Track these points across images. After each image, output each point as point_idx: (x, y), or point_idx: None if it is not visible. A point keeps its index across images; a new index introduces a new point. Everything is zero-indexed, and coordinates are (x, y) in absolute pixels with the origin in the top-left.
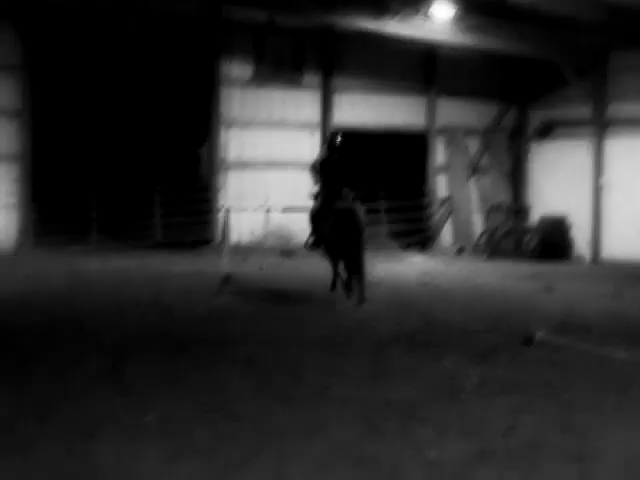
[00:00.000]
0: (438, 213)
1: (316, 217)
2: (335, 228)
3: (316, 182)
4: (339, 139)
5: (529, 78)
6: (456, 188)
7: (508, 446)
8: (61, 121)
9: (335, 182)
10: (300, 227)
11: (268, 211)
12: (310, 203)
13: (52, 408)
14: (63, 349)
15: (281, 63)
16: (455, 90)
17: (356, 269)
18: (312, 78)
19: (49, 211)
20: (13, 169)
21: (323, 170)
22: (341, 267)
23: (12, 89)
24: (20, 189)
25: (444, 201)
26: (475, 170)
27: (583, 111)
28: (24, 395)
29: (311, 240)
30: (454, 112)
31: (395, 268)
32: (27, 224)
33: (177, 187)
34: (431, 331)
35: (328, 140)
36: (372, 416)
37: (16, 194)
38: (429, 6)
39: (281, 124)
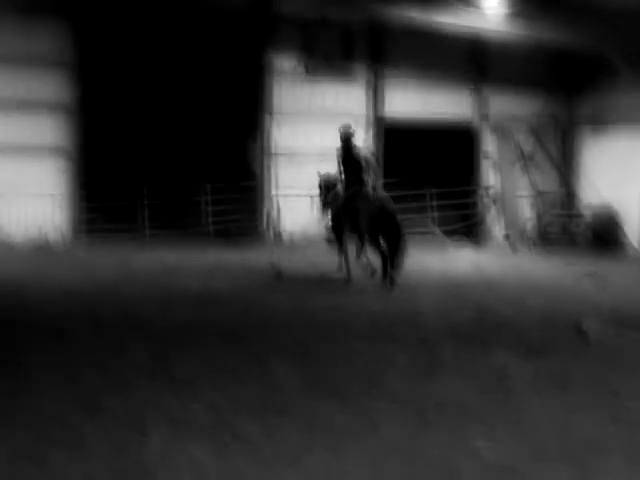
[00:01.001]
0: (487, 205)
1: (339, 213)
2: (371, 215)
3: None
4: (352, 131)
5: (579, 68)
6: (505, 179)
7: (563, 444)
8: (111, 115)
9: (355, 172)
10: None
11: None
12: None
13: (101, 399)
14: (112, 339)
15: (331, 55)
16: (504, 81)
17: (394, 253)
18: (361, 70)
19: (100, 204)
20: (64, 163)
21: (343, 161)
22: (376, 253)
23: (63, 84)
24: (71, 182)
25: (493, 192)
26: (524, 161)
27: (634, 102)
28: (73, 386)
29: (332, 235)
30: (503, 103)
31: (444, 260)
32: (78, 217)
33: (227, 179)
34: (482, 324)
35: (342, 132)
36: (424, 412)
37: (67, 187)
38: None
39: (331, 116)
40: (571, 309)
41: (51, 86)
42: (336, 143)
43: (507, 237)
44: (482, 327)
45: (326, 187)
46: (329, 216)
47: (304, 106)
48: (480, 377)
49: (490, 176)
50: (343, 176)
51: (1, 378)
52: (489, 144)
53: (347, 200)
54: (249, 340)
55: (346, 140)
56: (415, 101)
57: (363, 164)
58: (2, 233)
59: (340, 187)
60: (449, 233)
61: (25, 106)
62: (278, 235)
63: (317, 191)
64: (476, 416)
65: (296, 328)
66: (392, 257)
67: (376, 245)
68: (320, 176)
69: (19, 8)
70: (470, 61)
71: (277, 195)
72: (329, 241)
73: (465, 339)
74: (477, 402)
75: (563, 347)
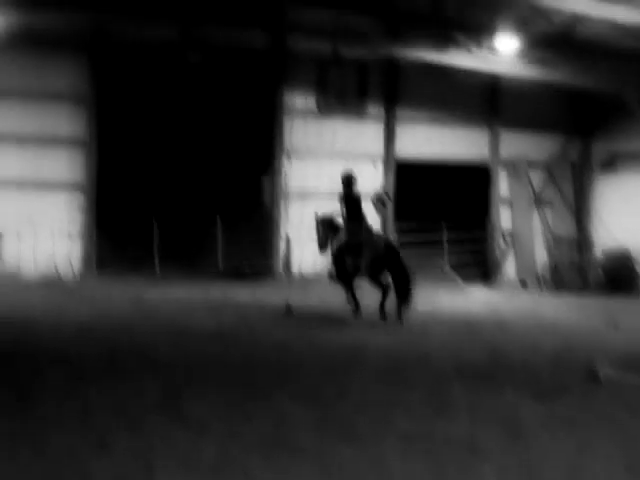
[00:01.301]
0: (501, 245)
1: (343, 249)
2: (377, 257)
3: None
4: (353, 177)
5: (593, 110)
6: (519, 220)
7: None
8: (126, 151)
9: (356, 214)
10: None
11: None
12: None
13: (111, 436)
14: (123, 376)
15: (344, 94)
16: (518, 122)
17: (402, 290)
18: (375, 109)
19: (112, 239)
20: (78, 198)
21: (345, 203)
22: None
23: (80, 120)
24: (84, 217)
25: (507, 233)
26: (538, 202)
27: None
28: (84, 423)
29: (334, 271)
30: (517, 144)
31: (457, 300)
32: (91, 252)
33: (239, 216)
34: (494, 365)
35: (342, 178)
36: (435, 452)
37: (80, 222)
38: (493, 38)
39: (344, 155)
40: (584, 350)
41: (67, 122)
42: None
43: (523, 282)
44: (493, 367)
45: (323, 226)
46: (331, 253)
47: (317, 144)
48: (491, 417)
49: (504, 216)
50: (345, 217)
51: (11, 414)
52: (503, 185)
53: (350, 237)
54: (261, 378)
55: (347, 184)
56: (428, 140)
57: (363, 207)
58: (16, 268)
59: (341, 227)
60: (462, 273)
61: (41, 141)
62: (289, 272)
63: (315, 230)
64: (486, 456)
65: (308, 367)
66: (400, 293)
67: (377, 282)
68: (317, 216)
69: (36, 44)
70: (485, 101)
71: (288, 233)
72: (332, 277)
73: (476, 379)
74: (488, 442)
75: (575, 388)
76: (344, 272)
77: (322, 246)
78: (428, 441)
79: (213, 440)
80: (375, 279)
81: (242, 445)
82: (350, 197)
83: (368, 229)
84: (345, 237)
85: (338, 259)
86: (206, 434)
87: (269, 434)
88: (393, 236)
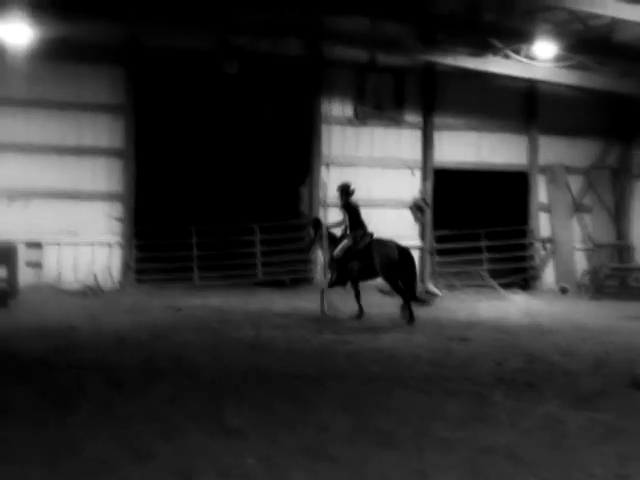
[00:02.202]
0: (540, 252)
1: (348, 254)
2: (391, 262)
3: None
4: (351, 187)
5: (633, 115)
6: (558, 227)
7: None
8: (163, 160)
9: (359, 223)
10: None
11: None
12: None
13: (150, 446)
14: (163, 386)
15: (382, 101)
16: (557, 128)
17: (412, 290)
18: (413, 116)
19: (151, 249)
20: (116, 208)
21: (347, 213)
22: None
23: (117, 129)
24: (123, 227)
25: (546, 240)
26: (578, 208)
27: None
28: (123, 432)
29: (335, 278)
30: (556, 150)
31: (497, 307)
32: (129, 262)
33: (278, 225)
34: (534, 372)
35: (340, 188)
36: (475, 461)
37: (119, 232)
38: (531, 44)
39: (382, 162)
40: (624, 356)
41: (105, 132)
42: (386, 190)
43: (562, 289)
44: (533, 374)
45: (314, 228)
46: (332, 259)
47: (354, 153)
48: (532, 425)
49: (543, 223)
50: (348, 225)
51: (52, 422)
52: (542, 191)
53: (356, 243)
54: (300, 387)
55: (346, 193)
56: (466, 147)
57: (360, 214)
58: (56, 277)
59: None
60: (501, 280)
61: (80, 152)
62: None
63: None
64: (527, 463)
65: (347, 375)
66: (410, 294)
67: (396, 287)
68: (311, 219)
69: (73, 55)
70: (522, 107)
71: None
72: (332, 283)
73: (516, 386)
74: (528, 449)
75: (616, 394)
76: (344, 277)
77: (308, 248)
78: (469, 450)
79: (253, 449)
80: (394, 283)
81: (282, 454)
82: (349, 206)
83: (371, 235)
84: (350, 242)
85: (341, 264)
86: (246, 443)
87: (309, 443)
88: (432, 243)
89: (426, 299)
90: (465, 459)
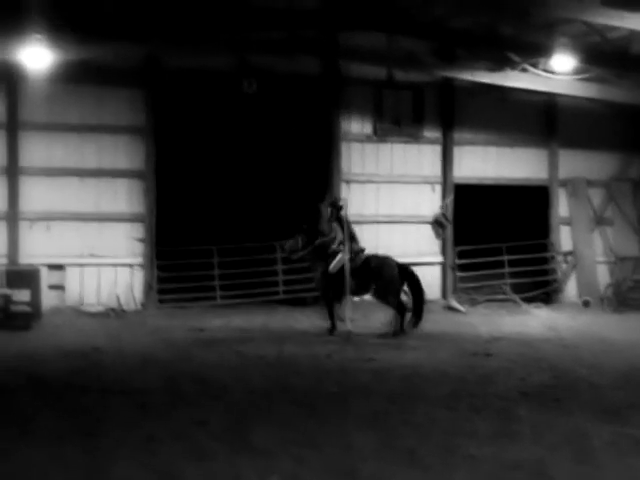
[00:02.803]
0: (562, 265)
1: (342, 271)
2: (392, 278)
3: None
4: (340, 202)
5: None
6: (580, 240)
7: None
8: (183, 181)
9: (351, 238)
10: (423, 281)
11: None
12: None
13: (177, 469)
14: (188, 406)
15: (400, 117)
16: (577, 141)
17: (420, 304)
18: (432, 132)
19: (173, 269)
20: (138, 228)
21: (340, 228)
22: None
23: (137, 150)
24: (144, 248)
25: (568, 253)
26: (599, 221)
27: None
28: (150, 455)
29: (322, 289)
30: (576, 163)
31: (519, 322)
32: (151, 282)
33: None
34: (559, 386)
35: (330, 203)
36: (501, 477)
37: (141, 253)
38: (549, 58)
39: (401, 179)
40: None
41: (126, 154)
42: (407, 206)
43: (585, 302)
44: (558, 388)
45: (306, 235)
46: (324, 272)
47: (374, 169)
48: (557, 439)
49: (565, 236)
50: (342, 240)
51: (76, 445)
52: (563, 205)
53: (352, 259)
54: (324, 405)
55: (337, 208)
56: (486, 162)
57: (352, 229)
58: (79, 299)
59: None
60: (524, 294)
61: (100, 174)
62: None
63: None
64: (553, 478)
65: (370, 392)
66: (418, 308)
67: (393, 303)
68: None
69: (93, 78)
70: (542, 121)
71: (347, 259)
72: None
73: (541, 400)
74: (554, 465)
75: None
76: (331, 291)
77: (292, 252)
78: (495, 466)
79: (279, 468)
80: (393, 299)
81: (308, 472)
82: (341, 220)
83: (363, 250)
84: (346, 258)
85: (336, 279)
86: (272, 462)
87: (335, 461)
88: (453, 259)
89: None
90: (491, 475)
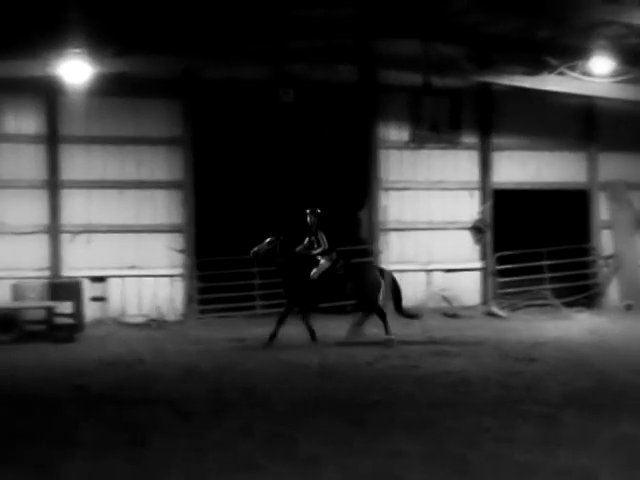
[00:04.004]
0: (603, 269)
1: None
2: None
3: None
4: (318, 211)
5: None
6: (622, 244)
7: None
8: (222, 191)
9: (331, 246)
10: (463, 288)
11: (429, 273)
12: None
13: (223, 478)
14: (233, 417)
15: (438, 124)
16: (616, 144)
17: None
18: (470, 137)
19: (213, 279)
20: (177, 239)
21: (315, 233)
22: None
23: (175, 161)
24: (184, 259)
25: (609, 257)
26: None
27: None
28: (196, 466)
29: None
30: (616, 166)
31: (561, 327)
32: (192, 293)
33: (338, 250)
34: (605, 391)
35: (311, 211)
36: None
37: (181, 264)
38: (587, 61)
39: (440, 185)
40: None
41: (164, 165)
42: (445, 212)
43: (627, 306)
44: (604, 393)
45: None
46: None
47: (412, 176)
48: (605, 445)
49: (605, 240)
50: (324, 246)
51: (123, 458)
52: (604, 208)
53: (333, 266)
54: (369, 413)
55: (314, 215)
56: (525, 166)
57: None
58: (120, 311)
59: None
60: (565, 299)
61: (140, 185)
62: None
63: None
64: None
65: (415, 400)
66: (399, 311)
67: (375, 308)
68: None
69: (130, 90)
70: (581, 124)
71: (388, 266)
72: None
73: (588, 406)
74: (605, 471)
75: None
76: (308, 298)
77: (257, 255)
78: (544, 473)
79: (326, 478)
80: (373, 305)
81: None
82: (320, 228)
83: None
84: (327, 265)
85: (317, 286)
86: (319, 472)
87: (382, 470)
88: (493, 264)
89: (416, 313)
90: None
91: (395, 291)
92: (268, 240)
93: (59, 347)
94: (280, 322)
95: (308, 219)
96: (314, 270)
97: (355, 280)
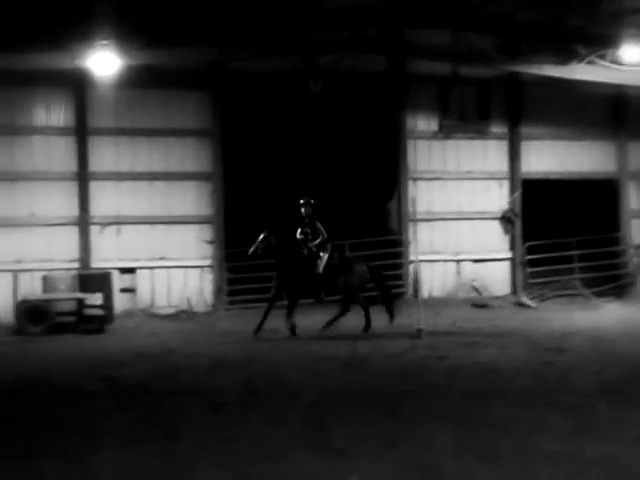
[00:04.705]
0: (634, 259)
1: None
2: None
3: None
4: (312, 202)
5: None
6: None
7: None
8: (250, 182)
9: (315, 234)
10: (492, 278)
11: (459, 263)
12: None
13: (256, 470)
14: (263, 407)
15: (466, 113)
16: None
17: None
18: (498, 127)
19: (242, 270)
20: (207, 231)
21: (308, 224)
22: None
23: (204, 153)
24: (214, 250)
25: (639, 246)
26: None
27: None
28: (228, 456)
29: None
30: None
31: (591, 316)
32: (221, 284)
33: (367, 242)
34: (635, 381)
35: (306, 201)
36: (583, 473)
37: (210, 255)
38: (617, 49)
39: (469, 175)
40: None
41: (193, 157)
42: (474, 202)
43: None
44: (635, 382)
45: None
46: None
47: (441, 166)
48: (637, 434)
49: (636, 231)
50: (325, 238)
51: (155, 448)
52: (634, 198)
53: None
54: (399, 403)
55: (309, 205)
56: (554, 157)
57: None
58: (150, 302)
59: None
60: (595, 289)
61: (169, 177)
62: (421, 297)
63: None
64: (636, 475)
65: (445, 390)
66: (388, 303)
67: (358, 299)
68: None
69: (159, 82)
70: (610, 113)
71: (418, 257)
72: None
73: (619, 396)
74: (637, 460)
75: None
76: (314, 291)
77: (256, 254)
78: (576, 462)
79: (357, 467)
80: (357, 297)
81: (387, 471)
82: (316, 218)
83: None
84: (327, 257)
85: (321, 279)
86: (350, 462)
87: (413, 459)
88: (522, 254)
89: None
90: (573, 472)
91: (382, 286)
92: (261, 237)
93: (89, 338)
94: (292, 313)
95: (302, 210)
96: (318, 264)
97: (347, 272)
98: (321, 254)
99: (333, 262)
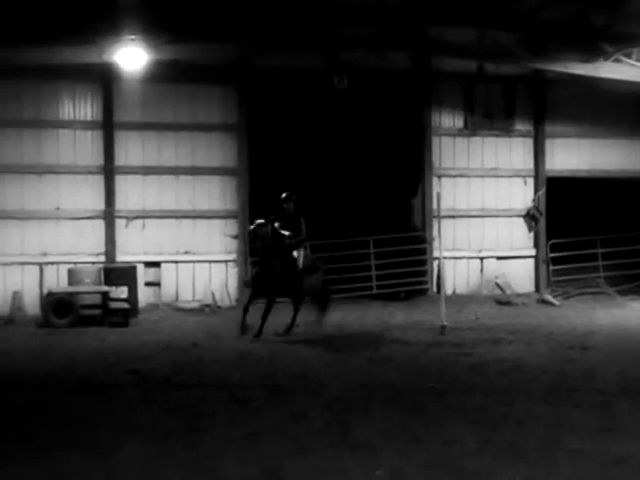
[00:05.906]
0: None
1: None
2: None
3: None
4: (294, 197)
5: None
6: None
7: None
8: (275, 177)
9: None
10: (516, 275)
11: (482, 260)
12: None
13: (281, 464)
14: (288, 402)
15: (491, 111)
16: None
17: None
18: (523, 125)
19: None
20: (232, 225)
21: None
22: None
23: (230, 148)
24: (239, 245)
25: None
26: None
27: None
28: (253, 451)
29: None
30: None
31: (615, 315)
32: (246, 279)
33: (391, 238)
34: None
35: (288, 196)
36: (608, 472)
37: (235, 249)
38: None
39: (493, 172)
40: None
41: (219, 151)
42: (499, 200)
43: None
44: None
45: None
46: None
47: (465, 163)
48: None
49: None
50: (304, 236)
51: (181, 442)
52: None
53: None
54: (424, 400)
55: (291, 200)
56: (579, 155)
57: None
58: (174, 296)
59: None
60: (620, 287)
61: (194, 172)
62: (444, 294)
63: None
64: None
65: (469, 387)
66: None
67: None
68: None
69: (185, 77)
70: (637, 112)
71: (442, 254)
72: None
73: None
74: None
75: None
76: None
77: (255, 233)
78: (600, 461)
79: (381, 463)
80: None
81: (411, 467)
82: (301, 214)
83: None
84: (304, 255)
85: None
86: (374, 457)
87: (437, 456)
88: (546, 252)
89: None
90: (597, 471)
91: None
92: (261, 222)
93: (114, 331)
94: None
95: (285, 205)
96: (300, 261)
97: (315, 272)
98: (295, 253)
99: (306, 261)
